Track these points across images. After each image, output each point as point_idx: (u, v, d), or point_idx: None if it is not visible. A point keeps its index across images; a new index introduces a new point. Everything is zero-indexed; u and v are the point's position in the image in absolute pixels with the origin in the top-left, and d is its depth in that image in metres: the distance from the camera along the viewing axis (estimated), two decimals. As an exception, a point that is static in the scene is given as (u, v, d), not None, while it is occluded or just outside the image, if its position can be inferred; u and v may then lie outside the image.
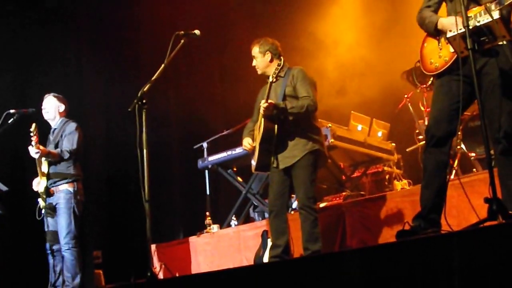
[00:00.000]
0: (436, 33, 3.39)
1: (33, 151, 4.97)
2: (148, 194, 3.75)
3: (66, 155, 5.12)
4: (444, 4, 3.52)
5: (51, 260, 5.14)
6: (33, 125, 5.03)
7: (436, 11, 3.50)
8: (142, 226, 3.83)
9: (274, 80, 4.41)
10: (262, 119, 4.35)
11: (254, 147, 4.52)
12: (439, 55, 3.35)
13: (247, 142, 4.59)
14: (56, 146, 5.21)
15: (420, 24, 3.53)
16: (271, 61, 4.53)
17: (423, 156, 3.48)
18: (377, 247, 3.19)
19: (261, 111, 4.28)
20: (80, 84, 7.57)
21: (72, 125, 5.28)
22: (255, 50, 4.57)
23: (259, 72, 4.60)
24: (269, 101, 4.26)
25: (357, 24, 7.96)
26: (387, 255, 2.44)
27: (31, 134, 4.97)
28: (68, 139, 5.20)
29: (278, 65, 4.41)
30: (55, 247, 5.13)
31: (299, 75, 4.44)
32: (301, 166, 4.33)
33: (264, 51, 4.53)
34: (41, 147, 5.00)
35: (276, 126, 4.32)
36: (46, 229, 5.14)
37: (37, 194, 5.16)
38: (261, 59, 4.55)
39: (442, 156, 3.34)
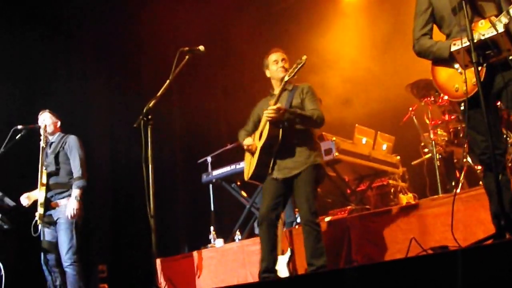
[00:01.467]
0: (451, 58, 3.25)
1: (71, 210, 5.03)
2: (154, 209, 3.74)
3: (84, 185, 5.15)
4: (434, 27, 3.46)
5: (49, 277, 5.10)
6: (42, 126, 5.20)
7: (431, 37, 3.44)
8: (147, 240, 3.81)
9: (280, 93, 4.40)
10: (267, 126, 4.30)
11: (256, 147, 4.45)
12: (463, 79, 3.16)
13: (249, 141, 4.49)
14: (56, 157, 5.23)
15: (423, 53, 3.42)
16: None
17: (484, 181, 3.29)
18: (379, 264, 3.15)
19: (270, 114, 4.19)
20: (85, 99, 7.61)
21: (73, 138, 5.32)
22: (284, 55, 4.57)
23: (282, 75, 4.44)
24: (278, 105, 4.23)
25: (360, 37, 7.99)
26: (390, 272, 2.41)
27: (41, 132, 5.12)
28: (74, 162, 5.21)
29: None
30: (50, 261, 5.09)
31: (309, 91, 4.44)
32: (304, 180, 4.27)
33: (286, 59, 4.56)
34: (72, 213, 5.03)
35: (280, 132, 4.27)
36: (42, 239, 5.11)
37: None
38: (287, 64, 4.53)
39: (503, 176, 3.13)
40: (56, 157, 5.24)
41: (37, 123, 5.38)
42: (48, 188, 5.13)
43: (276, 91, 4.48)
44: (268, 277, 4.21)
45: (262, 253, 4.34)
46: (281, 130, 4.28)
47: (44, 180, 5.12)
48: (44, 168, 5.13)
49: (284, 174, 4.32)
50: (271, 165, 4.36)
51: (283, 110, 4.21)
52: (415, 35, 3.46)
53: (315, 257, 4.18)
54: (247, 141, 4.54)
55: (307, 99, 4.40)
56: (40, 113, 5.44)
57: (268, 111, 4.22)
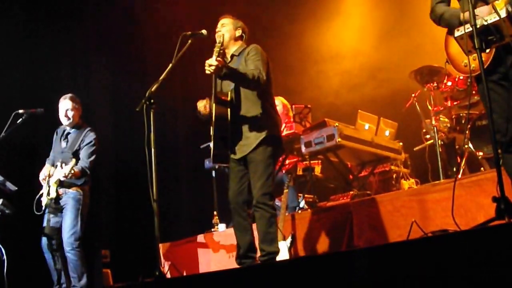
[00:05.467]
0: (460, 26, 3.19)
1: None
2: (156, 193, 3.77)
3: (87, 172, 5.20)
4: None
5: (50, 260, 5.14)
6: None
7: (448, 5, 3.40)
8: (150, 225, 3.85)
9: (229, 60, 4.24)
10: (213, 107, 4.08)
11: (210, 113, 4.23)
12: (473, 56, 3.14)
13: (201, 103, 4.32)
14: (75, 154, 5.23)
15: (437, 21, 3.40)
16: (236, 39, 4.29)
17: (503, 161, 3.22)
18: (384, 246, 3.18)
19: (210, 69, 3.82)
20: (88, 83, 7.61)
21: (91, 136, 5.33)
22: (227, 20, 4.30)
23: (218, 41, 4.15)
24: (218, 59, 3.87)
25: (364, 24, 7.96)
26: (394, 255, 2.44)
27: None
28: (86, 152, 5.25)
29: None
30: (53, 245, 5.13)
31: (251, 51, 4.14)
32: (257, 160, 4.03)
33: (236, 26, 4.29)
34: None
35: (228, 110, 4.05)
36: (45, 224, 5.16)
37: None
38: (230, 29, 4.26)
39: None
40: (75, 154, 5.22)
41: (39, 107, 5.36)
42: (61, 184, 5.15)
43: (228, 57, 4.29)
44: (245, 263, 4.06)
45: (237, 240, 4.17)
46: (229, 110, 4.06)
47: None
48: (60, 163, 5.11)
49: (241, 152, 4.09)
50: (229, 146, 4.12)
51: (221, 63, 3.84)
52: (432, 4, 3.43)
53: (266, 242, 3.96)
54: (199, 104, 4.34)
55: (249, 60, 4.09)
56: (63, 97, 5.38)
57: (207, 66, 3.83)
